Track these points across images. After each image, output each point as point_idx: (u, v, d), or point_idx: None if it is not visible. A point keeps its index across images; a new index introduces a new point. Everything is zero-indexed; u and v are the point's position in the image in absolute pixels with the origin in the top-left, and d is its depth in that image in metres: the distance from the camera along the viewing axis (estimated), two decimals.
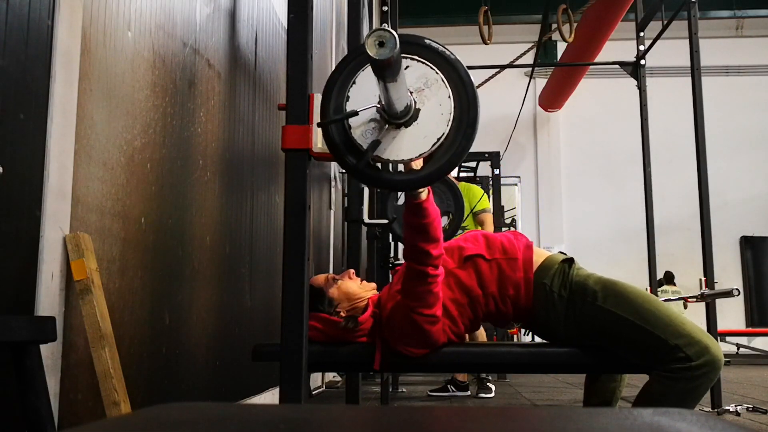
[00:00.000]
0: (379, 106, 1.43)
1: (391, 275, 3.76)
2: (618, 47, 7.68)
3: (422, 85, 1.45)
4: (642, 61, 4.70)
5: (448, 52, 1.49)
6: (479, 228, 4.38)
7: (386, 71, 1.23)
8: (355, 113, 1.44)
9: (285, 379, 1.55)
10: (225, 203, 2.78)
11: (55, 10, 1.61)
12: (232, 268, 2.87)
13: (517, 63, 6.31)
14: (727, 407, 3.26)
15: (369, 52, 1.16)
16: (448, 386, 4.36)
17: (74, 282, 1.63)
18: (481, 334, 4.41)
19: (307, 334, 1.59)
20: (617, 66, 4.92)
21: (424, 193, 1.63)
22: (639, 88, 4.75)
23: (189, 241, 2.39)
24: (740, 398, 3.96)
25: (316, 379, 4.62)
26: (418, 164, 1.51)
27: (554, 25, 5.28)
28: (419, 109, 1.44)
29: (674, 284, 9.54)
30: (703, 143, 3.68)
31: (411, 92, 1.43)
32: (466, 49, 8.38)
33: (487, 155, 6.00)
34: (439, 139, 1.43)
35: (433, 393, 4.36)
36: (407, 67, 1.43)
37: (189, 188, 2.40)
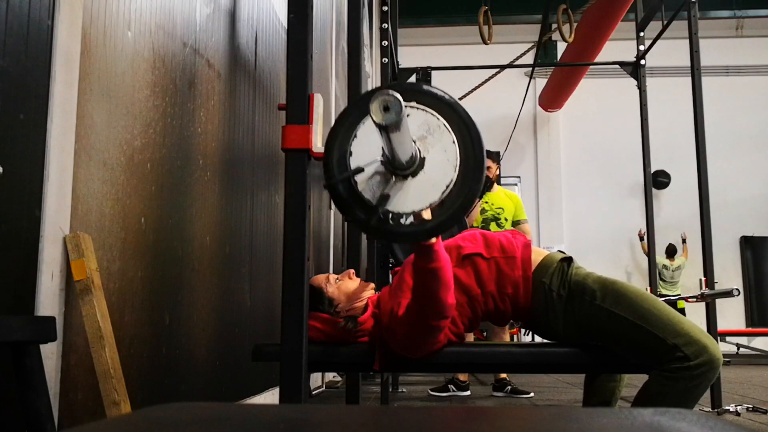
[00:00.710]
0: (383, 159, 1.40)
1: (390, 275, 3.76)
2: (618, 47, 7.68)
3: (425, 132, 1.42)
4: (642, 61, 4.71)
5: (447, 96, 1.46)
6: None
7: (390, 129, 1.21)
8: (360, 170, 1.42)
9: (285, 379, 1.55)
10: (225, 203, 2.78)
11: (55, 10, 1.61)
12: (232, 268, 2.87)
13: (517, 63, 6.30)
14: (727, 407, 3.26)
15: (374, 118, 1.15)
16: (449, 386, 4.36)
17: (74, 282, 1.63)
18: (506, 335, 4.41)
19: (307, 334, 1.59)
20: (617, 66, 4.92)
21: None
22: (639, 88, 4.75)
23: (189, 241, 2.39)
24: (740, 398, 3.96)
25: (316, 379, 4.63)
26: (427, 213, 1.48)
27: (554, 25, 5.28)
28: (424, 158, 1.41)
29: (673, 259, 9.54)
30: (703, 143, 3.68)
31: (414, 141, 1.40)
32: (466, 49, 8.40)
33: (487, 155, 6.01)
34: (448, 186, 1.40)
35: (434, 392, 4.35)
36: (408, 115, 1.40)
37: (189, 188, 2.40)
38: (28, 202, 1.53)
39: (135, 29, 2.01)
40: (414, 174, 1.41)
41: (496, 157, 4.55)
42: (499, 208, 4.49)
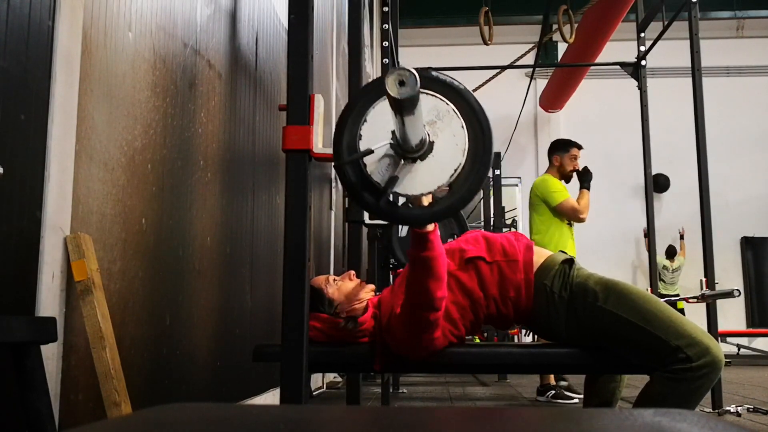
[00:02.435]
0: (392, 142, 1.42)
1: (391, 276, 3.75)
2: (619, 48, 7.68)
3: (434, 117, 1.44)
4: (643, 62, 4.70)
5: (456, 83, 1.49)
6: None
7: (405, 107, 1.24)
8: (370, 152, 1.43)
9: (285, 380, 1.55)
10: (226, 204, 2.78)
11: (55, 11, 1.61)
12: (232, 269, 2.87)
13: (517, 64, 6.30)
14: (727, 408, 3.26)
15: (390, 92, 1.17)
16: (560, 391, 4.19)
17: (75, 282, 1.63)
18: None
19: (308, 335, 1.59)
20: (618, 67, 4.92)
21: (431, 224, 1.61)
22: (640, 88, 4.75)
23: (190, 242, 2.40)
24: (741, 399, 3.96)
25: (316, 380, 4.62)
26: (427, 200, 1.49)
27: (555, 26, 5.28)
28: (433, 142, 1.43)
29: (673, 260, 9.56)
30: (704, 144, 3.68)
31: (423, 125, 1.42)
32: (467, 49, 8.39)
33: None
34: (456, 170, 1.42)
35: (551, 398, 4.20)
36: None
37: (190, 189, 2.40)
38: (29, 202, 1.53)
39: (136, 30, 2.02)
40: (423, 157, 1.43)
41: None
42: None
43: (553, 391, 4.18)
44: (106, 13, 1.85)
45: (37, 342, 1.42)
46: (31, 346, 1.40)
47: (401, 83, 1.17)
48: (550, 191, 4.20)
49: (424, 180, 1.43)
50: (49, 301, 1.57)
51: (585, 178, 4.26)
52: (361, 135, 1.46)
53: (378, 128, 1.45)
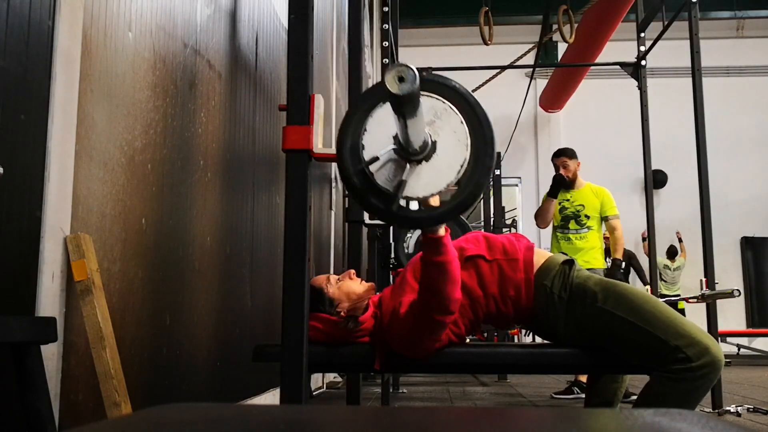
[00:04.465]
0: (396, 147, 1.43)
1: (391, 276, 3.76)
2: (619, 48, 7.68)
3: (432, 117, 1.45)
4: (643, 62, 4.71)
5: (450, 81, 1.50)
6: (613, 233, 4.30)
7: (407, 107, 1.24)
8: (375, 159, 1.44)
9: (285, 380, 1.55)
10: (226, 204, 2.78)
11: (55, 11, 1.61)
12: (232, 269, 2.87)
13: (517, 64, 6.30)
14: (727, 408, 3.26)
15: (390, 88, 1.17)
16: (573, 388, 4.22)
17: (75, 283, 1.63)
18: None
19: (308, 335, 1.59)
20: (618, 67, 4.92)
21: (442, 228, 1.61)
22: (640, 88, 4.75)
23: (190, 242, 2.39)
24: (741, 399, 3.96)
25: (316, 380, 4.62)
26: (436, 200, 1.49)
27: (555, 26, 5.28)
28: (435, 141, 1.44)
29: (674, 260, 9.58)
30: (704, 144, 3.68)
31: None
32: (467, 49, 8.40)
33: None
34: (462, 165, 1.43)
35: (558, 396, 4.23)
36: None
37: (190, 189, 2.40)
38: (29, 202, 1.53)
39: (136, 30, 2.02)
40: (427, 158, 1.44)
41: (572, 153, 4.39)
42: (580, 204, 4.28)
43: (577, 389, 4.18)
44: (106, 13, 1.85)
45: (37, 342, 1.42)
46: (31, 346, 1.40)
47: (401, 79, 1.17)
48: None
49: (432, 180, 1.43)
50: (49, 301, 1.57)
51: (552, 185, 4.32)
52: (364, 145, 1.46)
53: (380, 135, 1.46)
